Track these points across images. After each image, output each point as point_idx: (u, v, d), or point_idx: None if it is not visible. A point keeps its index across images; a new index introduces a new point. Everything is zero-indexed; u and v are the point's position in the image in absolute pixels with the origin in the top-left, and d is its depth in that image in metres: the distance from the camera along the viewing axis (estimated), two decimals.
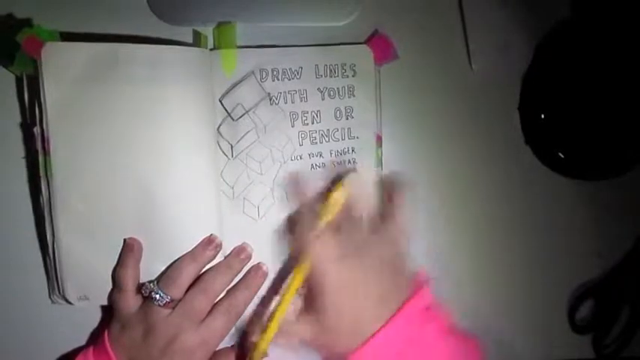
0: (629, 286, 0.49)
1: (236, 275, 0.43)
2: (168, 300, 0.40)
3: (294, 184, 0.44)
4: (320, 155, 0.45)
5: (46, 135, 0.40)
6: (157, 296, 0.39)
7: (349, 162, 0.46)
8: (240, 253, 0.44)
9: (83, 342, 0.44)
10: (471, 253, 0.49)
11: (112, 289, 0.41)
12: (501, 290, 0.49)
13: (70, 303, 0.42)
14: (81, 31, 0.43)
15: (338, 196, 0.41)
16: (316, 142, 0.45)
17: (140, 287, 0.41)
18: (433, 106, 0.48)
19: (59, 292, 0.42)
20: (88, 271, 0.41)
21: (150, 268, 0.41)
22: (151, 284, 0.40)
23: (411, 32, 0.47)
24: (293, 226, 0.44)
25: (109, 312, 0.43)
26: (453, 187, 0.48)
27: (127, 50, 0.40)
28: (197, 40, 0.45)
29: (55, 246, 0.41)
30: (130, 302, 0.40)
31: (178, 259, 0.41)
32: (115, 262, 0.41)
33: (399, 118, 0.47)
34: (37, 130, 0.40)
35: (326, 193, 0.42)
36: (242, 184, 0.44)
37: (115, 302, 0.41)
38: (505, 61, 0.48)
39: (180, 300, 0.40)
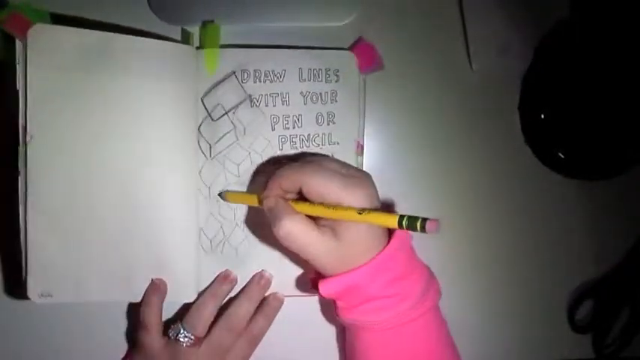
0: (629, 286, 0.49)
1: (257, 304, 0.44)
2: (193, 340, 0.41)
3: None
4: None
5: (22, 124, 0.38)
6: (183, 338, 0.41)
7: None
8: (260, 280, 0.44)
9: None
10: (470, 253, 0.49)
11: (137, 327, 0.42)
12: (501, 290, 0.49)
13: (28, 299, 0.40)
14: (67, 14, 0.42)
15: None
16: (296, 147, 0.45)
17: (166, 329, 0.42)
18: (433, 106, 0.48)
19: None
20: (57, 267, 0.40)
21: (127, 267, 0.41)
22: (177, 326, 0.42)
23: (410, 32, 0.47)
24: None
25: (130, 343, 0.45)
26: (452, 186, 0.48)
27: (118, 40, 0.39)
28: (185, 38, 0.45)
29: (25, 242, 0.39)
30: (155, 341, 0.42)
31: (199, 297, 0.43)
32: (87, 260, 0.41)
33: (399, 117, 0.47)
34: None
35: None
36: (219, 185, 0.44)
37: (140, 340, 0.42)
38: (505, 61, 0.48)
39: (204, 337, 0.42)
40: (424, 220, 0.31)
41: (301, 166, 0.37)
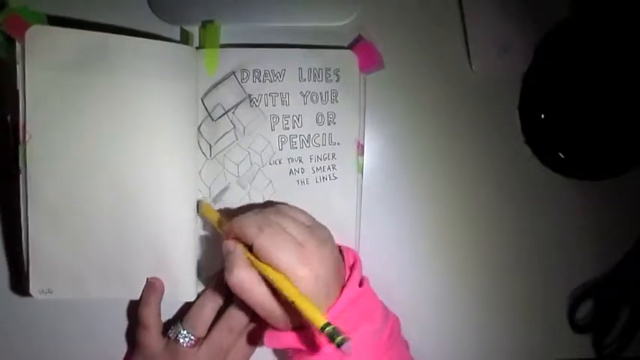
0: (629, 286, 0.49)
1: None
2: (194, 341, 0.41)
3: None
4: (299, 160, 0.45)
5: (22, 123, 0.38)
6: (183, 339, 0.41)
7: (329, 168, 0.45)
8: None
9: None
10: (470, 253, 0.49)
11: (137, 326, 0.42)
12: (501, 290, 0.49)
13: (30, 296, 0.41)
14: (67, 16, 0.42)
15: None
16: (296, 147, 0.44)
17: (166, 330, 0.42)
18: (433, 106, 0.48)
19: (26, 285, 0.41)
20: (57, 264, 0.40)
21: (126, 265, 0.41)
22: (177, 327, 0.42)
23: (410, 32, 0.47)
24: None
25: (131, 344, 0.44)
26: (452, 186, 0.48)
27: (116, 41, 0.39)
28: (184, 38, 0.45)
29: (26, 239, 0.40)
30: (155, 341, 0.42)
31: (199, 297, 0.43)
32: (87, 258, 0.41)
33: (399, 117, 0.47)
34: (9, 118, 0.39)
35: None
36: (219, 185, 0.44)
37: (140, 340, 0.42)
38: (505, 61, 0.48)
39: (204, 338, 0.42)
40: (344, 339, 0.31)
41: (259, 225, 0.36)
